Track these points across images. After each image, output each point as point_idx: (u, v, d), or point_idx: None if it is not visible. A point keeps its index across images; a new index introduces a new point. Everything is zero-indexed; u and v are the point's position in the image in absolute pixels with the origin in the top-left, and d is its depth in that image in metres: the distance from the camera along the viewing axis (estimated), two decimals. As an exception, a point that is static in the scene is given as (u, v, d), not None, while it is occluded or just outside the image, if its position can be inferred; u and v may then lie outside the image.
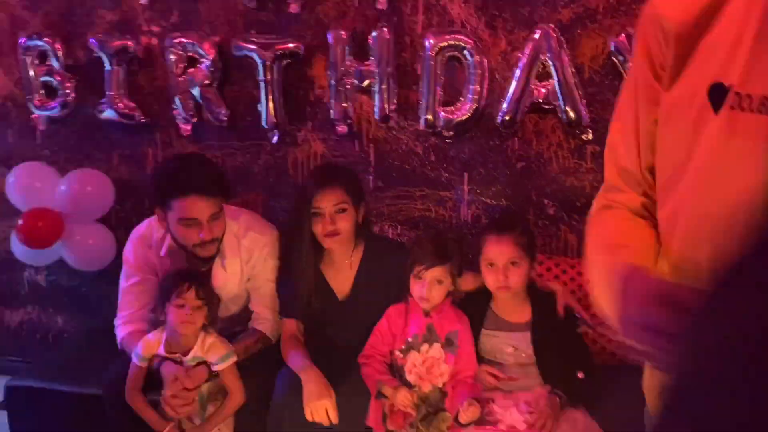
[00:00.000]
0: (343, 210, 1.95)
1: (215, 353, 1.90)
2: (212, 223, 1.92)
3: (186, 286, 1.82)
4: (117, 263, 2.80)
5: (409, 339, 1.88)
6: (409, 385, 1.84)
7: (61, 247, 2.73)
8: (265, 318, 2.10)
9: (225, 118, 2.56)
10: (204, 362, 1.89)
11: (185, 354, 1.88)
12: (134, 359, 1.90)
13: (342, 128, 2.46)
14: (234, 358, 1.92)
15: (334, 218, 1.93)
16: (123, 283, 2.12)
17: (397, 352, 1.89)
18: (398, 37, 2.35)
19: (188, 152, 2.17)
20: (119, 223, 2.80)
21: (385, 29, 2.30)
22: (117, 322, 2.09)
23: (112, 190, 2.75)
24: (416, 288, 1.86)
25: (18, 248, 2.74)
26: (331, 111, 2.44)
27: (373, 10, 2.37)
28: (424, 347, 1.86)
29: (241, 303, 2.16)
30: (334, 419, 1.85)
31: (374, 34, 2.32)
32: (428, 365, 1.85)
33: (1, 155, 2.84)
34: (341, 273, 2.07)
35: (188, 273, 1.90)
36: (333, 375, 1.93)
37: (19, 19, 2.69)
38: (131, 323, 2.05)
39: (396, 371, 1.91)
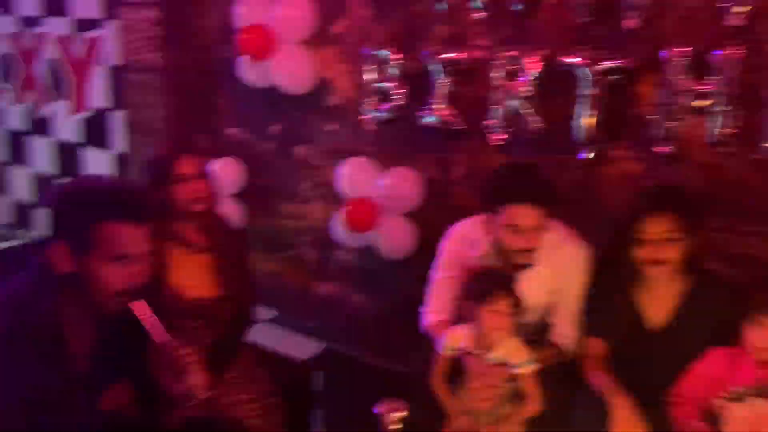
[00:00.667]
0: (673, 239, 1.82)
1: (517, 357, 1.91)
2: (535, 233, 1.94)
3: (502, 295, 1.86)
4: (414, 255, 3.03)
5: (739, 389, 1.67)
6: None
7: (373, 233, 3.02)
8: (565, 333, 2.06)
9: (538, 131, 2.59)
10: (505, 363, 1.92)
11: (488, 352, 1.92)
12: (439, 349, 2.00)
13: (664, 149, 2.31)
14: (535, 366, 1.91)
15: (661, 246, 1.81)
16: (435, 275, 2.24)
17: (718, 400, 1.71)
18: (747, 57, 2.13)
19: (526, 161, 2.20)
20: (423, 219, 3.01)
21: (734, 48, 2.10)
22: (425, 309, 2.22)
23: (421, 189, 2.96)
24: (757, 337, 1.66)
25: (337, 230, 3.10)
26: (655, 130, 2.30)
27: (719, 27, 2.18)
28: (756, 401, 1.64)
29: (539, 313, 2.15)
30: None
31: (719, 52, 2.13)
32: (756, 421, 1.63)
33: (336, 149, 3.24)
34: (658, 303, 1.93)
35: (504, 280, 1.92)
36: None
37: (367, 31, 3.03)
38: (438, 313, 2.15)
39: (710, 418, 1.73)
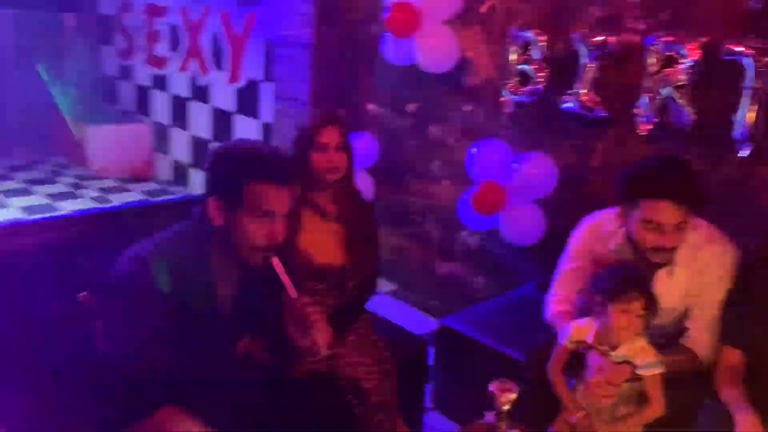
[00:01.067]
0: None
1: (643, 358, 1.81)
2: (675, 232, 1.81)
3: (635, 295, 1.77)
4: (542, 244, 2.96)
5: None
6: None
7: (499, 217, 2.99)
8: (701, 339, 1.93)
9: (690, 123, 2.41)
10: (629, 362, 1.83)
11: (613, 349, 1.85)
12: (561, 340, 1.94)
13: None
14: (661, 369, 1.81)
15: None
16: (562, 265, 2.16)
17: None
18: None
19: (670, 156, 2.06)
20: (554, 207, 2.92)
21: None
22: (549, 298, 2.15)
23: (555, 176, 2.87)
24: None
25: (464, 211, 3.09)
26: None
27: None
28: None
29: (673, 316, 2.02)
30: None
31: None
32: None
33: (471, 130, 3.23)
34: None
35: (638, 279, 1.81)
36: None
37: (513, 11, 2.97)
38: (562, 303, 2.09)
39: None
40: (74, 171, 5.60)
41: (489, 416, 1.51)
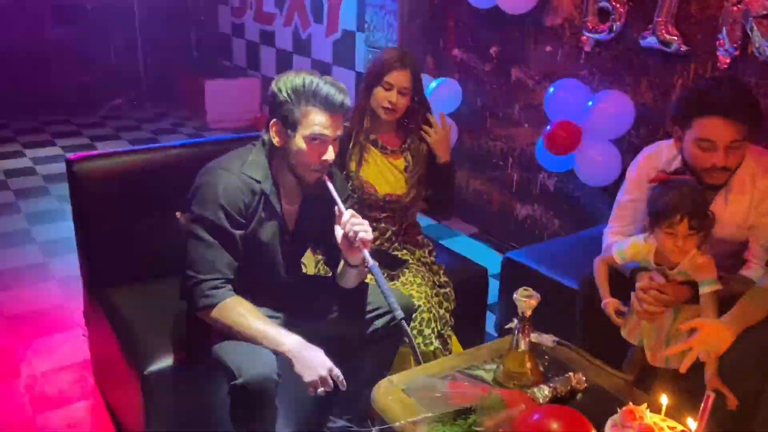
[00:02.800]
0: None
1: (703, 274, 1.81)
2: (730, 151, 1.78)
3: (678, 218, 1.77)
4: (618, 184, 2.94)
5: None
6: None
7: (575, 158, 3.00)
8: (757, 271, 1.90)
9: (773, 54, 2.30)
10: (689, 282, 1.83)
11: (671, 268, 1.85)
12: (614, 252, 1.90)
13: None
14: (718, 286, 1.80)
15: None
16: (620, 197, 2.17)
17: None
18: None
19: (725, 75, 2.00)
20: (630, 146, 2.89)
21: None
22: (606, 230, 2.19)
23: (632, 114, 2.83)
24: None
25: (540, 152, 3.13)
26: None
27: None
28: None
29: (728, 247, 1.99)
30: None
31: None
32: None
33: (548, 70, 3.23)
34: None
35: (680, 203, 1.76)
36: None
37: (594, -53, 2.92)
38: (619, 235, 2.12)
39: None
40: (194, 122, 6.14)
41: (515, 321, 1.63)
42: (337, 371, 1.65)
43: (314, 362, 1.65)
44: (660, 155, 2.07)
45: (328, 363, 1.66)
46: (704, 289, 1.78)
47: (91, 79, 6.19)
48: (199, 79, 5.98)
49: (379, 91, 2.18)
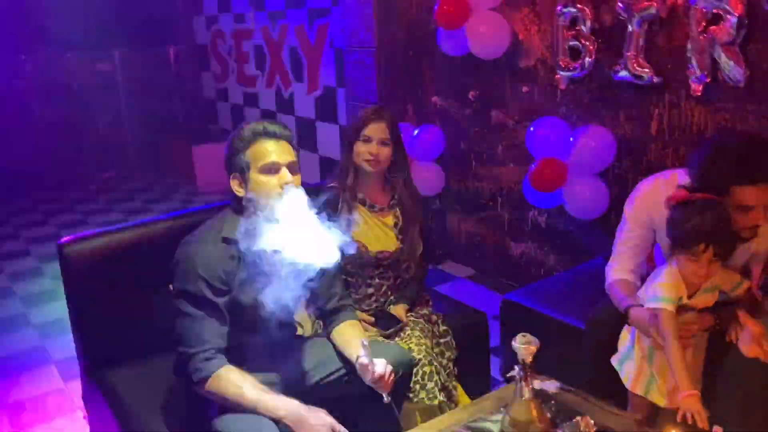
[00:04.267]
0: None
1: (730, 283, 1.81)
2: (766, 210, 1.75)
3: (702, 248, 1.70)
4: (607, 216, 2.96)
5: None
6: None
7: (563, 194, 3.02)
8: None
9: (742, 79, 2.34)
10: (718, 290, 1.81)
11: (689, 297, 1.83)
12: (660, 304, 1.76)
13: None
14: (749, 283, 1.80)
15: None
16: (620, 234, 2.12)
17: None
18: None
19: (759, 136, 1.97)
20: (616, 178, 2.92)
21: None
22: (608, 267, 2.17)
23: (614, 146, 2.87)
24: None
25: (528, 190, 3.16)
26: None
27: None
28: None
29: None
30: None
31: None
32: None
33: (527, 110, 3.29)
34: None
35: (703, 230, 1.71)
36: None
37: (558, -11, 3.01)
38: (621, 272, 2.09)
39: None
40: (186, 188, 6.18)
41: (517, 369, 1.61)
42: (340, 428, 1.63)
43: (315, 425, 1.63)
44: (658, 190, 2.03)
45: (329, 421, 1.64)
46: (739, 291, 1.78)
47: (80, 155, 6.26)
48: (187, 146, 6.05)
49: (359, 145, 2.21)
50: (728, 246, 1.73)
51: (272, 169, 1.75)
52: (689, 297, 1.80)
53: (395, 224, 2.27)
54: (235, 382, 1.68)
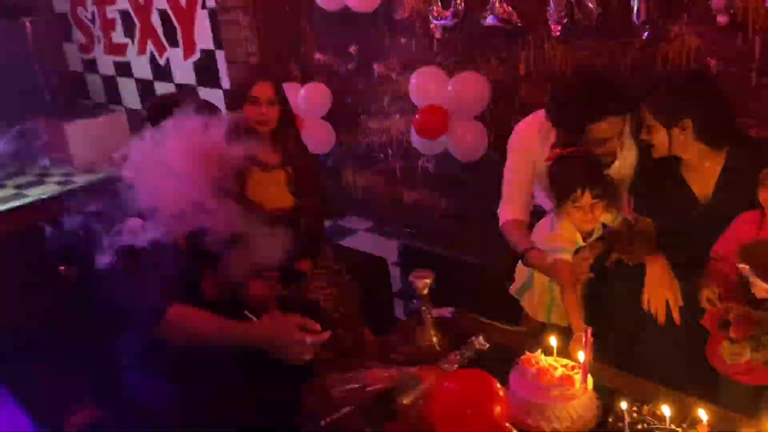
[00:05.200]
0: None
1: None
2: (618, 139, 1.99)
3: (579, 192, 1.90)
4: (488, 156, 3.16)
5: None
6: (754, 301, 1.69)
7: (446, 139, 3.19)
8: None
9: (596, 17, 2.57)
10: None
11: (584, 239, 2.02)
12: (561, 254, 1.94)
13: (723, 19, 2.23)
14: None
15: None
16: (507, 174, 2.26)
17: (741, 265, 1.74)
18: None
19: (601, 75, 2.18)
20: (493, 120, 3.12)
21: None
22: (500, 209, 2.26)
23: (488, 90, 3.06)
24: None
25: (415, 139, 3.30)
26: (712, 1, 2.23)
27: None
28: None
29: None
30: (675, 315, 1.84)
31: None
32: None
33: (409, 61, 3.39)
34: (702, 177, 1.95)
35: (582, 177, 1.92)
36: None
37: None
38: (512, 212, 2.23)
39: (742, 284, 1.77)
40: (61, 169, 5.82)
41: (415, 301, 1.76)
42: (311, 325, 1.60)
43: (284, 339, 1.58)
44: (532, 129, 2.21)
45: (296, 324, 1.60)
46: (618, 222, 1.98)
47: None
48: (58, 123, 5.67)
49: (247, 107, 2.23)
50: (603, 186, 1.94)
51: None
52: (584, 240, 2.01)
53: (288, 181, 2.33)
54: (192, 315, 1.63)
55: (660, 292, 1.84)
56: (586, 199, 1.91)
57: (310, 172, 2.40)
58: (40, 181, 5.59)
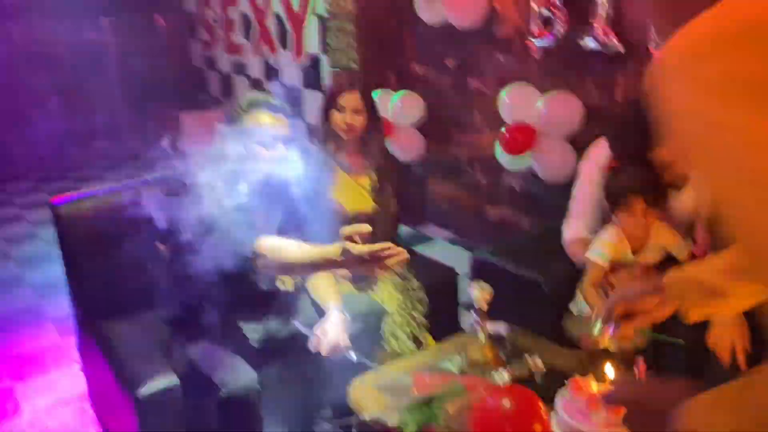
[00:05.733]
0: None
1: (673, 242, 1.97)
2: None
3: (632, 199, 1.90)
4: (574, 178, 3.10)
5: None
6: None
7: (532, 157, 3.17)
8: None
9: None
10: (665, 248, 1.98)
11: (635, 253, 1.99)
12: (595, 259, 2.00)
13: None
14: (690, 247, 1.98)
15: None
16: (575, 193, 2.31)
17: None
18: None
19: None
20: (584, 143, 3.05)
21: None
22: (565, 226, 2.33)
23: (581, 113, 3.01)
24: None
25: (501, 154, 3.30)
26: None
27: None
28: None
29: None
30: (741, 359, 1.75)
31: None
32: None
33: (504, 78, 3.41)
34: None
35: (630, 183, 1.93)
36: None
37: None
38: (577, 230, 2.26)
39: None
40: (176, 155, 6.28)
41: (473, 314, 1.78)
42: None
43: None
44: (606, 150, 2.21)
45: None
46: (685, 253, 1.93)
47: (72, 123, 6.34)
48: (176, 114, 6.13)
49: (335, 114, 2.36)
50: (657, 195, 1.90)
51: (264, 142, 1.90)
52: (634, 253, 1.97)
53: (370, 186, 2.43)
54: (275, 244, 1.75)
55: (727, 333, 1.76)
56: (638, 204, 1.89)
57: (391, 179, 2.48)
58: (154, 165, 6.06)
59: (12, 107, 6.05)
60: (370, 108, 2.43)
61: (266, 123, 1.92)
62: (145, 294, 2.20)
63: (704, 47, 0.54)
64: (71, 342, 2.77)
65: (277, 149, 1.92)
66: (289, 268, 1.76)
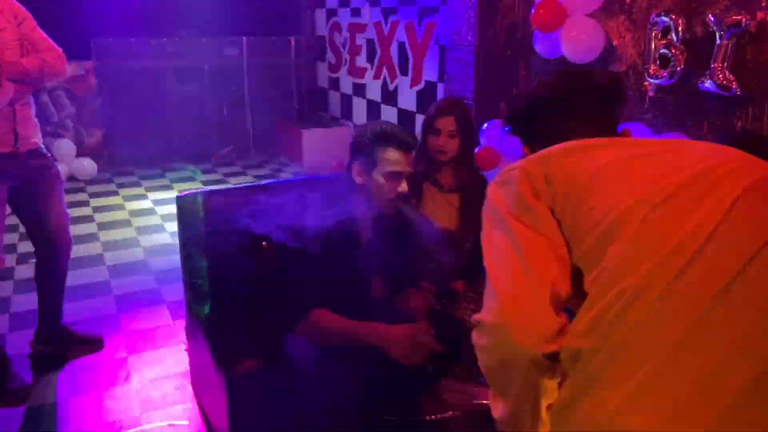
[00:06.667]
0: None
1: None
2: None
3: None
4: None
5: None
6: None
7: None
8: None
9: (828, 95, 2.36)
10: None
11: None
12: None
13: None
14: None
15: None
16: None
17: None
18: None
19: None
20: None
21: None
22: None
23: (695, 155, 2.92)
24: None
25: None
26: None
27: None
28: None
29: None
30: None
31: None
32: None
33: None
34: None
35: None
36: None
37: (650, -1, 3.09)
38: None
39: None
40: (293, 168, 6.69)
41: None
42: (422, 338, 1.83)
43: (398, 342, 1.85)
44: None
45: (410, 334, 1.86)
46: None
47: (205, 131, 6.95)
48: (298, 130, 6.54)
49: (430, 137, 2.48)
50: None
51: (395, 177, 2.02)
52: None
53: (460, 205, 2.52)
54: (329, 318, 1.93)
55: None
56: None
57: (480, 201, 2.55)
58: (272, 176, 6.49)
59: (157, 115, 6.74)
60: (465, 132, 2.53)
61: (394, 159, 1.99)
62: (253, 287, 2.40)
63: None
64: (181, 325, 3.06)
65: (401, 187, 2.02)
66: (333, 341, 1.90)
